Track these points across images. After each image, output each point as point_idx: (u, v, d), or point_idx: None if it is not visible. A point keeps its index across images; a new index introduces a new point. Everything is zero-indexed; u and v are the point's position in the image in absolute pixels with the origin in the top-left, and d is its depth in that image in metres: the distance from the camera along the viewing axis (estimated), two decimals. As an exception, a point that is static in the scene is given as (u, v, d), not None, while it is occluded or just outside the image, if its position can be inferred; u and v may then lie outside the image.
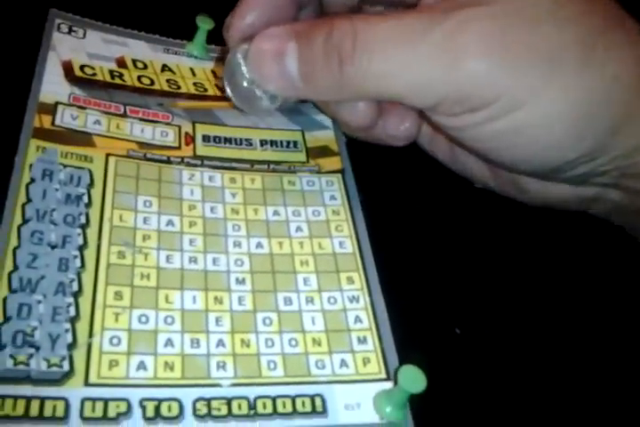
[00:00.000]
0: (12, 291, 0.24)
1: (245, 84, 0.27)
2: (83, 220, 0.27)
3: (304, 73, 0.24)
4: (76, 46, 0.33)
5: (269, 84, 0.25)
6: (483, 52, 0.22)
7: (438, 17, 0.22)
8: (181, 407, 0.23)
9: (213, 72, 0.36)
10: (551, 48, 0.22)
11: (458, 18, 0.22)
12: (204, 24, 0.34)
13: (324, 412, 0.25)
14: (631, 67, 0.22)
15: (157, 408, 0.23)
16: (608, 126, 0.23)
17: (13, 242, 0.25)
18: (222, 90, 0.31)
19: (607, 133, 0.23)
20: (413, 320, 0.28)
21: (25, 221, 0.26)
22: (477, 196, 0.33)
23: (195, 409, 0.23)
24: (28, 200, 0.26)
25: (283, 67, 0.24)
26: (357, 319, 0.27)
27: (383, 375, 0.26)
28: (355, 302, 0.28)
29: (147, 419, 0.23)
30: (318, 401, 0.25)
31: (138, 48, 0.35)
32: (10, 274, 0.24)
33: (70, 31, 0.34)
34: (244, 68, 0.26)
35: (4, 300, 0.23)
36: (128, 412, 0.23)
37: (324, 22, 0.24)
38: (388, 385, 0.26)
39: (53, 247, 0.25)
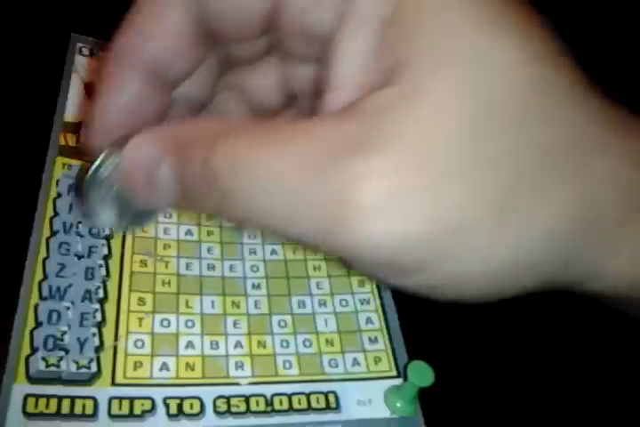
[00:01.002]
0: (42, 298, 0.25)
1: (110, 193, 0.21)
2: (107, 231, 0.28)
3: (180, 193, 0.20)
4: (98, 68, 0.35)
5: (140, 198, 0.21)
6: (373, 220, 0.17)
7: (333, 161, 0.17)
8: (202, 405, 0.25)
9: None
10: (461, 208, 0.17)
11: (353, 167, 0.17)
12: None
13: (337, 408, 0.26)
14: (575, 208, 0.18)
15: (180, 406, 0.25)
16: (540, 275, 0.19)
17: (43, 253, 0.27)
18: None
19: (540, 279, 0.19)
20: (422, 321, 0.29)
21: (53, 233, 0.27)
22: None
23: (215, 406, 0.25)
24: (56, 214, 0.28)
25: (154, 182, 0.20)
26: (368, 320, 0.29)
27: (394, 373, 0.27)
28: (366, 304, 0.29)
29: (170, 416, 0.24)
30: (332, 398, 0.26)
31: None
32: (40, 283, 0.26)
33: (92, 54, 0.36)
34: (109, 178, 0.21)
35: (36, 307, 0.25)
36: (152, 409, 0.24)
37: (203, 137, 0.19)
38: (399, 382, 0.27)
39: (80, 257, 0.27)
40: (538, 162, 0.17)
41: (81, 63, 0.35)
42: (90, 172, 0.21)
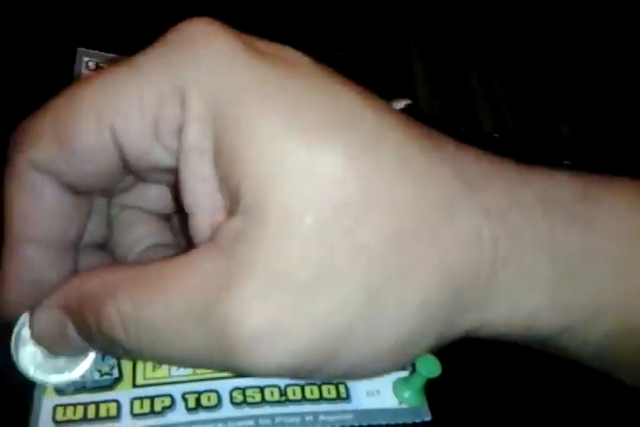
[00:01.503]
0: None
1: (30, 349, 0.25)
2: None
3: (92, 346, 0.23)
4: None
5: (57, 353, 0.24)
6: (261, 348, 0.19)
7: (209, 301, 0.19)
8: (219, 397, 0.27)
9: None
10: (330, 326, 0.19)
11: (228, 304, 0.19)
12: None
13: (347, 398, 0.27)
14: (439, 278, 0.19)
15: (198, 400, 0.27)
16: (428, 343, 0.21)
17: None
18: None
19: (431, 344, 0.21)
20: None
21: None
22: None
23: (232, 398, 0.27)
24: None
25: (69, 342, 0.23)
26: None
27: None
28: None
29: (189, 409, 0.26)
30: (342, 388, 0.28)
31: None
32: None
33: (97, 68, 0.37)
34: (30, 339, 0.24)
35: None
36: (172, 405, 0.26)
37: (90, 298, 0.21)
38: (405, 374, 0.28)
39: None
40: (387, 253, 0.19)
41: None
42: (13, 336, 0.24)
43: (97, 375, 0.27)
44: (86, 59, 0.38)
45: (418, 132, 0.20)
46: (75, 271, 0.24)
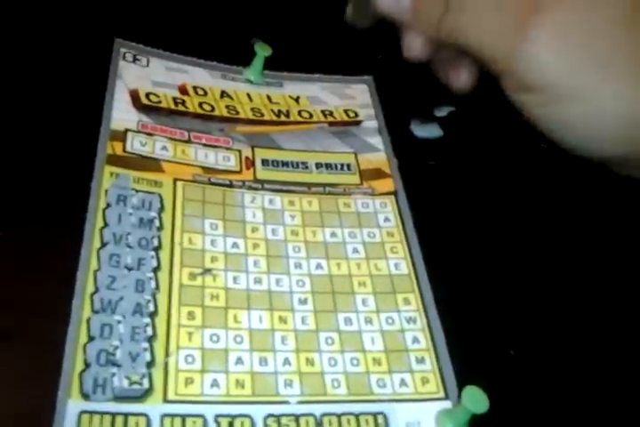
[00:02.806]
0: (94, 311, 0.25)
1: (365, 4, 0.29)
2: (155, 243, 0.28)
3: (413, 8, 0.27)
4: (141, 75, 0.35)
5: (385, 9, 0.28)
6: (545, 41, 0.23)
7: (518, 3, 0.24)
8: (253, 423, 0.24)
9: (268, 97, 0.37)
10: (610, 55, 0.23)
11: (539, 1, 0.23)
12: (262, 51, 0.36)
13: (386, 429, 0.25)
14: None
15: (231, 424, 0.24)
16: None
17: (94, 265, 0.26)
18: None
19: None
20: (470, 341, 0.29)
21: (103, 244, 0.27)
22: (530, 216, 0.34)
23: (265, 425, 0.25)
24: (105, 224, 0.28)
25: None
26: (415, 340, 0.28)
27: (442, 394, 0.27)
28: (412, 323, 0.29)
29: (221, 434, 0.24)
30: (381, 419, 0.26)
31: (198, 75, 0.36)
32: (92, 295, 0.26)
33: (135, 60, 0.35)
34: None
35: (88, 320, 0.25)
36: (204, 427, 0.24)
37: None
38: (447, 404, 0.26)
39: (130, 269, 0.27)
40: None
41: (125, 69, 0.35)
42: None
43: (126, 383, 0.24)
44: (123, 50, 0.36)
45: None
46: None
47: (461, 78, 0.30)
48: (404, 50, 0.30)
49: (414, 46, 0.28)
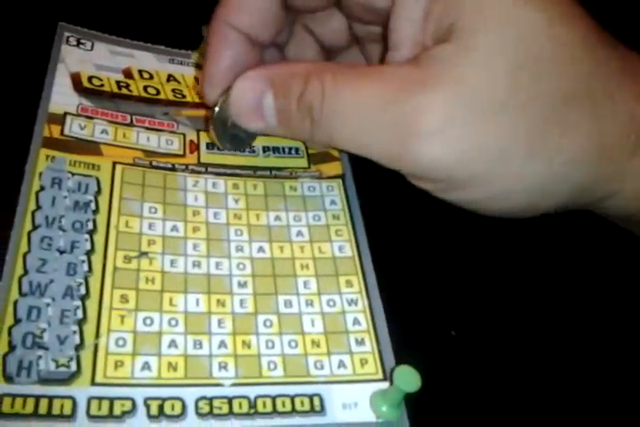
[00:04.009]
0: (22, 294, 0.25)
1: (228, 125, 0.29)
2: (90, 226, 0.28)
3: (279, 119, 0.26)
4: (84, 58, 0.34)
5: (249, 124, 0.27)
6: (434, 140, 0.22)
7: (402, 94, 0.23)
8: (184, 406, 0.24)
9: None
10: (501, 139, 0.22)
11: (418, 99, 0.22)
12: (209, 35, 0.35)
13: (322, 411, 0.25)
14: (594, 139, 0.23)
15: (161, 407, 0.24)
16: (566, 195, 0.24)
17: (24, 247, 0.26)
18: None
19: (567, 199, 0.24)
20: (410, 322, 0.29)
21: (35, 227, 0.27)
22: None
23: (197, 408, 0.24)
24: (38, 207, 0.27)
25: (261, 111, 0.26)
26: (356, 321, 0.28)
27: (380, 376, 0.27)
28: (353, 305, 0.29)
29: (151, 417, 0.24)
30: (317, 401, 0.26)
31: (144, 59, 0.36)
32: (20, 278, 0.25)
33: (79, 44, 0.35)
34: (226, 113, 0.28)
35: (15, 303, 0.24)
36: (133, 410, 0.24)
37: (297, 77, 0.25)
38: (385, 385, 0.26)
39: (62, 253, 0.27)
40: (562, 103, 0.22)
41: (68, 53, 0.34)
42: (213, 113, 0.28)
43: (53, 366, 0.23)
44: (67, 34, 0.35)
45: (597, 27, 0.24)
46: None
47: None
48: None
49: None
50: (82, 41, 0.35)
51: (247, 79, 0.26)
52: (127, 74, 0.35)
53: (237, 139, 0.30)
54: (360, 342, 0.28)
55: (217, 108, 0.28)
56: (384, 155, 0.24)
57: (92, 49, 0.35)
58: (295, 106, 0.25)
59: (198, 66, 0.37)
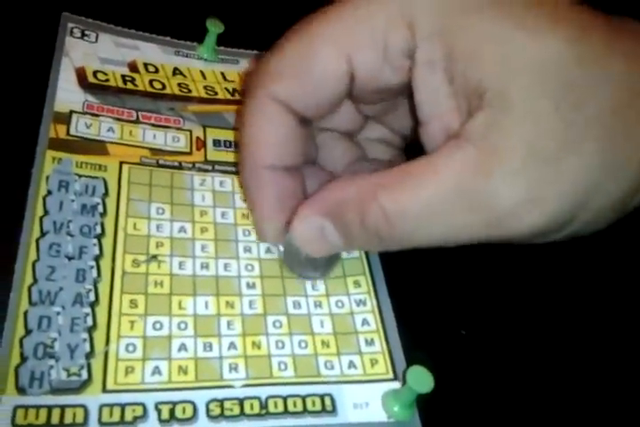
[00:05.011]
0: (32, 304, 0.25)
1: (303, 259, 0.28)
2: (98, 230, 0.28)
3: (344, 242, 0.26)
4: (89, 51, 0.34)
5: (320, 253, 0.28)
6: (523, 214, 0.22)
7: (462, 187, 0.22)
8: (195, 409, 0.25)
9: (223, 74, 0.36)
10: (583, 176, 0.22)
11: (489, 183, 0.22)
12: (214, 27, 0.35)
13: (333, 411, 0.26)
14: None
15: (172, 411, 0.24)
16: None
17: (32, 256, 0.26)
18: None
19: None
20: (419, 322, 0.29)
21: (43, 234, 0.27)
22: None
23: (208, 410, 0.25)
24: (46, 213, 0.27)
25: (326, 241, 0.27)
26: (365, 322, 0.28)
27: (390, 376, 0.27)
28: (362, 306, 0.29)
29: (162, 421, 0.24)
30: (328, 401, 0.26)
31: (149, 51, 0.35)
32: (30, 287, 0.25)
33: (83, 35, 0.34)
34: (295, 248, 0.28)
35: (25, 313, 0.25)
36: (144, 415, 0.24)
37: (350, 203, 0.25)
38: (396, 385, 0.27)
39: (70, 259, 0.27)
40: (612, 123, 0.22)
41: (72, 46, 0.34)
42: (283, 252, 0.29)
43: (64, 375, 0.24)
44: (71, 24, 0.34)
45: (619, 28, 0.23)
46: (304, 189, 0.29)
47: None
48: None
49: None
50: (86, 32, 0.34)
51: (303, 219, 0.27)
52: (133, 67, 0.34)
53: (320, 263, 0.29)
54: (370, 343, 0.28)
55: (285, 249, 0.29)
56: (475, 238, 0.24)
57: (96, 41, 0.34)
58: (359, 230, 0.25)
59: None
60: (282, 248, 0.29)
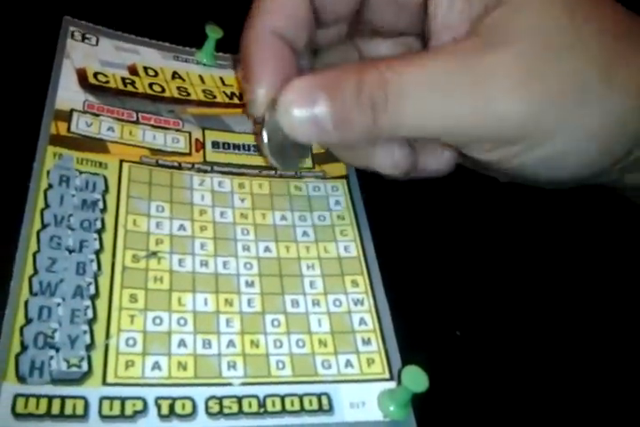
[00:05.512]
0: (32, 294, 0.25)
1: (280, 141, 0.27)
2: (98, 225, 0.28)
3: (336, 121, 0.24)
4: (90, 54, 0.34)
5: (303, 133, 0.25)
6: (509, 96, 0.23)
7: (466, 62, 0.23)
8: (194, 406, 0.24)
9: (221, 79, 0.37)
10: (575, 81, 0.23)
11: (485, 63, 0.23)
12: (213, 33, 0.35)
13: (330, 410, 0.26)
14: None
15: (172, 407, 0.24)
16: (636, 136, 0.24)
17: (33, 247, 0.26)
18: (256, 134, 0.34)
19: (635, 142, 0.24)
20: (416, 322, 0.29)
21: (44, 226, 0.27)
22: (480, 200, 0.34)
23: (207, 407, 0.24)
24: (47, 206, 0.27)
25: (314, 117, 0.24)
26: (362, 321, 0.28)
27: (387, 375, 0.27)
28: (359, 305, 0.29)
29: (162, 417, 0.24)
30: (325, 400, 0.26)
31: (149, 55, 0.36)
32: (30, 278, 0.25)
33: (84, 39, 0.35)
34: (276, 125, 0.26)
35: (26, 303, 0.24)
36: (144, 410, 0.24)
37: (349, 73, 0.24)
38: (392, 385, 0.27)
39: (71, 252, 0.26)
40: (614, 39, 0.23)
41: (73, 48, 0.34)
42: (263, 131, 0.27)
43: (64, 366, 0.23)
44: (72, 28, 0.35)
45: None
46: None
47: (444, 159, 0.29)
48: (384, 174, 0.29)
49: (393, 164, 0.28)
50: (87, 36, 0.35)
51: (294, 88, 0.25)
52: (132, 70, 0.34)
53: (289, 155, 0.28)
54: (366, 342, 0.28)
55: (265, 124, 0.27)
56: (460, 125, 0.24)
57: (96, 44, 0.35)
58: (354, 101, 0.24)
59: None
60: (265, 135, 0.27)
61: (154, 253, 0.28)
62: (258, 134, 0.28)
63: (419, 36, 0.30)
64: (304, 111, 0.24)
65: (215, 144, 0.33)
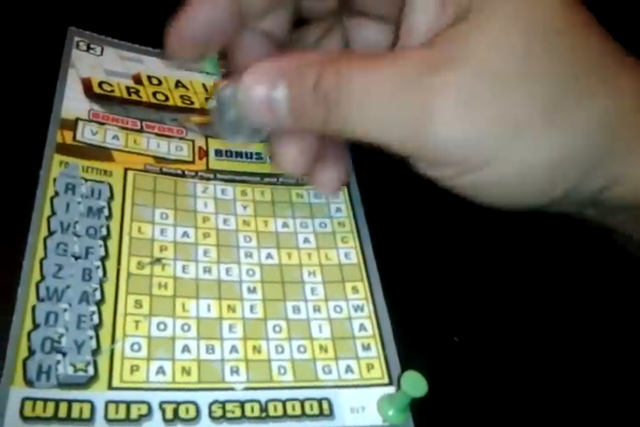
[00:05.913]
0: (39, 300, 0.25)
1: (233, 117, 0.27)
2: (104, 232, 0.28)
3: (292, 110, 0.25)
4: (95, 63, 0.35)
5: (257, 114, 0.26)
6: (449, 122, 0.22)
7: (418, 77, 0.22)
8: (198, 410, 0.25)
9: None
10: (517, 112, 0.22)
11: (435, 83, 0.22)
12: (217, 42, 0.36)
13: (330, 414, 0.26)
14: (610, 111, 0.22)
15: (176, 411, 0.25)
16: (581, 172, 0.23)
17: (40, 253, 0.26)
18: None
19: (580, 178, 0.23)
20: (415, 328, 0.30)
21: (50, 233, 0.27)
22: (479, 208, 0.35)
23: (210, 412, 0.25)
24: (53, 213, 0.28)
25: (272, 100, 0.25)
26: (362, 327, 0.29)
27: (386, 380, 0.28)
28: (359, 311, 0.29)
29: (166, 421, 0.24)
30: (325, 404, 0.26)
31: (152, 64, 0.36)
32: (37, 284, 0.26)
33: (89, 49, 0.35)
34: (233, 102, 0.26)
35: (33, 308, 0.25)
36: (149, 414, 0.24)
37: (313, 65, 0.24)
38: (391, 390, 0.27)
39: (77, 258, 0.27)
40: (575, 75, 0.22)
41: (78, 58, 0.34)
42: (214, 102, 0.27)
43: (71, 371, 0.24)
44: (77, 39, 0.35)
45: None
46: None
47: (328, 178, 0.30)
48: (279, 164, 0.29)
49: (289, 159, 0.28)
50: (92, 46, 0.35)
51: (258, 71, 0.25)
52: (137, 80, 0.35)
53: (239, 132, 0.28)
54: (366, 348, 0.28)
55: (222, 92, 0.27)
56: (400, 139, 0.23)
57: (101, 54, 0.35)
58: (310, 94, 0.24)
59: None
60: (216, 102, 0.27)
61: (158, 260, 0.28)
62: (214, 107, 0.27)
63: None
64: (263, 93, 0.25)
65: (218, 152, 0.34)
